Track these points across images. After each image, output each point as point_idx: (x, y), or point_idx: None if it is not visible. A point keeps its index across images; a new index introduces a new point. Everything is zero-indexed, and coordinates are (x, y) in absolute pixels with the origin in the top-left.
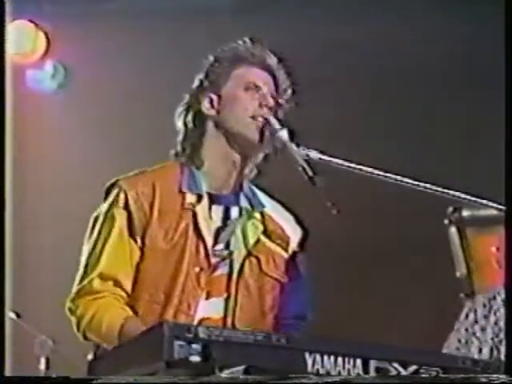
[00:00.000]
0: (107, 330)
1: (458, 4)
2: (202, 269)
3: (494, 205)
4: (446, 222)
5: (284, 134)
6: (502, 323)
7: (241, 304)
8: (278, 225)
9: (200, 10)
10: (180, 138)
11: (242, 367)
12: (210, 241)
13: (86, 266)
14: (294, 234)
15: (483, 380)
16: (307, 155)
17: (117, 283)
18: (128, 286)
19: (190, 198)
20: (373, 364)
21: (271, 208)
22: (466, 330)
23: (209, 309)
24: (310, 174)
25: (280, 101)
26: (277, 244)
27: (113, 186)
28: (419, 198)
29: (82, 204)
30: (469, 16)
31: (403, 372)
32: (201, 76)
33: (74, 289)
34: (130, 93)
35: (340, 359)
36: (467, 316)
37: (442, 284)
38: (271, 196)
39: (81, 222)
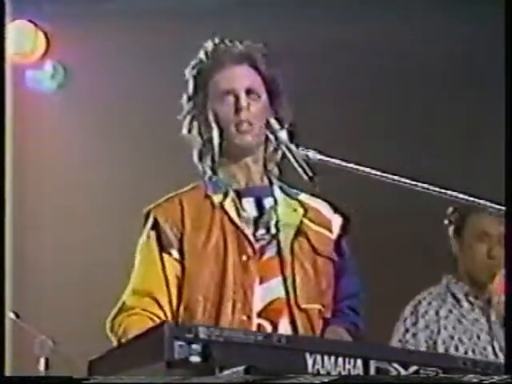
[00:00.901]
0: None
1: (457, 4)
2: (248, 257)
3: (494, 205)
4: (446, 222)
5: (283, 134)
6: (434, 325)
7: (299, 283)
8: (317, 209)
9: (200, 10)
10: (196, 152)
11: (242, 367)
12: (249, 229)
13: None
14: (334, 218)
15: (483, 380)
16: (306, 155)
17: (151, 299)
18: (164, 302)
19: (218, 197)
20: (373, 364)
21: (306, 196)
22: (400, 340)
23: (266, 292)
24: (310, 174)
25: (271, 81)
26: (320, 225)
27: (146, 215)
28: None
29: (82, 204)
30: (469, 16)
31: (403, 372)
32: (192, 90)
33: (114, 309)
34: (129, 93)
35: (340, 359)
36: (398, 327)
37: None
38: (302, 190)
39: (81, 222)
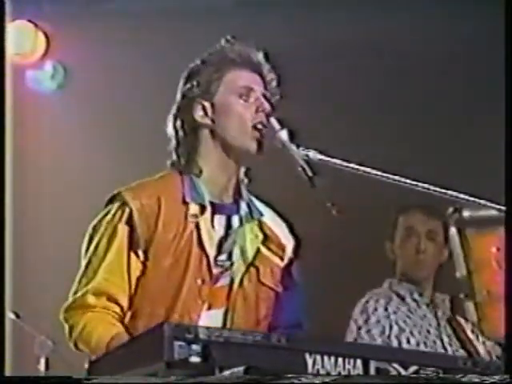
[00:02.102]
0: (96, 344)
1: (458, 4)
2: (203, 281)
3: (494, 205)
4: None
5: (283, 134)
6: (385, 320)
7: (238, 315)
8: (274, 233)
9: (201, 9)
10: (173, 145)
11: (241, 368)
12: (212, 252)
13: (82, 277)
14: (288, 241)
15: (483, 380)
16: (307, 155)
17: (111, 299)
18: (124, 301)
19: (194, 208)
20: (373, 364)
21: (267, 215)
22: (355, 339)
23: (210, 320)
24: (310, 174)
25: (268, 94)
26: (274, 253)
27: (115, 196)
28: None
29: (81, 204)
30: (469, 16)
31: (403, 372)
32: (190, 83)
33: (69, 299)
34: (129, 93)
35: (340, 360)
36: (351, 327)
37: (442, 284)
38: (265, 203)
39: (80, 222)
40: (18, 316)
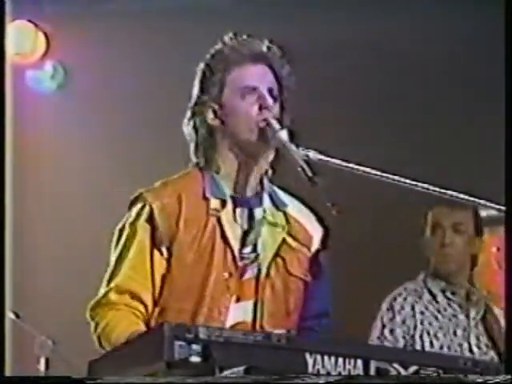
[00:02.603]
0: (115, 342)
1: (457, 4)
2: (230, 274)
3: (494, 205)
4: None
5: (283, 134)
6: (410, 320)
7: (268, 306)
8: (300, 224)
9: (201, 9)
10: (192, 147)
11: (242, 368)
12: (236, 245)
13: (108, 277)
14: (316, 231)
15: (484, 380)
16: (307, 155)
17: (134, 296)
18: (147, 298)
19: (214, 203)
20: (373, 364)
21: (293, 207)
22: (378, 337)
23: (239, 313)
24: (310, 174)
25: (285, 84)
26: (300, 243)
27: (137, 198)
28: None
29: (82, 204)
30: (469, 16)
31: (403, 372)
32: (199, 88)
33: (95, 298)
34: (129, 93)
35: (340, 360)
36: (376, 323)
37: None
38: (291, 194)
39: (81, 222)
40: (17, 316)
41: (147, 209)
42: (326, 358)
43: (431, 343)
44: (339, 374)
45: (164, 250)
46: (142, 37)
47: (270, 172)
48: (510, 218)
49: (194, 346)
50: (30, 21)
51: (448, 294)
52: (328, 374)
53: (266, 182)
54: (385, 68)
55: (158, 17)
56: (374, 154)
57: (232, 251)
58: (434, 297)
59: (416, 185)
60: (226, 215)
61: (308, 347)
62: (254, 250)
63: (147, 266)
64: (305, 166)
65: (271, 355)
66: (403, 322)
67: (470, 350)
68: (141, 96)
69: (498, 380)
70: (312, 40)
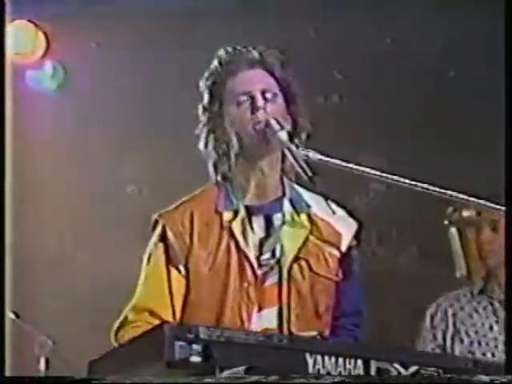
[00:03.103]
0: None
1: (457, 4)
2: (249, 283)
3: (494, 205)
4: (446, 222)
5: (283, 134)
6: (448, 320)
7: (294, 310)
8: (327, 223)
9: (201, 9)
10: (210, 166)
11: (242, 368)
12: (252, 253)
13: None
14: (346, 229)
15: (484, 380)
16: (306, 155)
17: (153, 314)
18: (167, 315)
19: (227, 215)
20: (373, 365)
21: (318, 207)
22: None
23: (262, 321)
24: (310, 174)
25: (285, 84)
26: (328, 242)
27: (154, 222)
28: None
29: (81, 204)
30: (469, 16)
31: (404, 372)
32: (203, 103)
33: (117, 322)
34: (129, 93)
35: (341, 360)
36: (426, 325)
37: (443, 284)
38: (317, 193)
39: (80, 222)
40: (17, 316)
41: (159, 228)
42: (326, 358)
43: (461, 340)
44: (339, 374)
45: (181, 267)
46: (142, 36)
47: (291, 173)
48: (510, 217)
49: (195, 346)
50: (29, 21)
51: (487, 292)
52: (328, 374)
53: (287, 184)
54: (384, 67)
55: (158, 17)
56: (373, 154)
57: (249, 261)
58: (472, 295)
59: (416, 185)
60: (240, 225)
61: (309, 347)
62: (273, 255)
63: (164, 285)
64: (305, 167)
65: (272, 355)
66: (443, 322)
67: (497, 349)
68: (141, 95)
69: (498, 380)
70: (314, 39)
